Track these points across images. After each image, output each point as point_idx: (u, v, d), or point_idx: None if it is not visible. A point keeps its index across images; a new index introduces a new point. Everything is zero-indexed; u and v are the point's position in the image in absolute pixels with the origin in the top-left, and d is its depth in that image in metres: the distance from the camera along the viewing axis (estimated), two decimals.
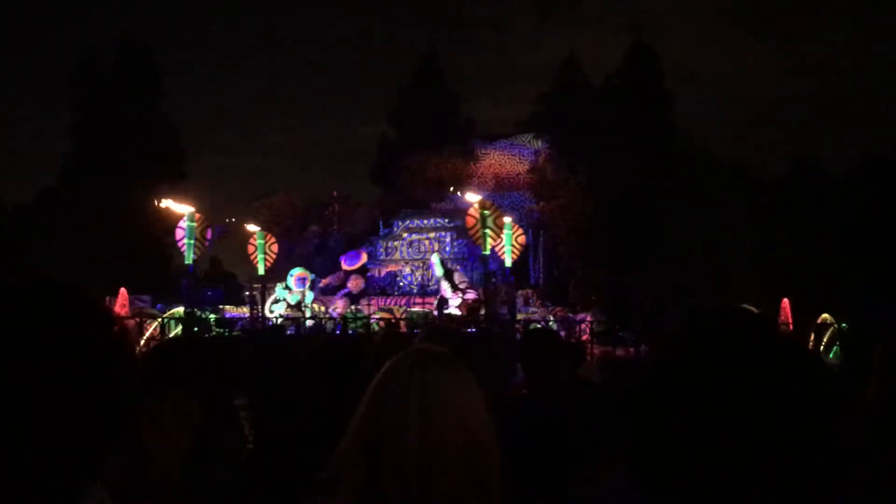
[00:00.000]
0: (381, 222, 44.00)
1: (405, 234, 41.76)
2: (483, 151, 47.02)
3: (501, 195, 45.17)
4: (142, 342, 12.23)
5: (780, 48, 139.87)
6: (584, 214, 38.84)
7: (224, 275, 50.04)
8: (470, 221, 25.23)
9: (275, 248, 31.30)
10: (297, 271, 36.10)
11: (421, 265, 40.77)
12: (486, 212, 24.47)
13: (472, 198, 26.16)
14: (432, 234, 41.25)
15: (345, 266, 38.39)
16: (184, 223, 23.21)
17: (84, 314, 1.11)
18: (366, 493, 1.44)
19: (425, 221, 42.17)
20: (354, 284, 38.29)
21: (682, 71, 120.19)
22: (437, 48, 54.57)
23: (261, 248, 30.59)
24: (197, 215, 23.25)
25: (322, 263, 46.01)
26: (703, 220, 33.99)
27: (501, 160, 46.15)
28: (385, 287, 40.67)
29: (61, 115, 49.31)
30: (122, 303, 27.50)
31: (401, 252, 41.64)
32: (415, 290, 39.30)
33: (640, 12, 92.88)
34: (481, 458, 1.50)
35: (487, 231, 24.14)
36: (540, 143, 44.41)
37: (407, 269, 41.11)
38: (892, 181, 34.73)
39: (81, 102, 45.41)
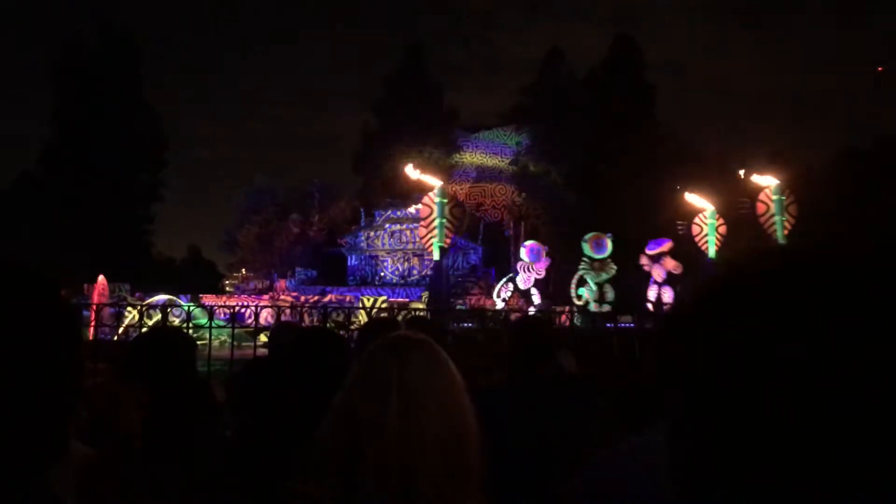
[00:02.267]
0: (362, 212, 43.89)
1: (387, 225, 41.69)
2: (465, 142, 47.02)
3: (484, 187, 45.30)
4: (119, 330, 12.17)
5: (766, 43, 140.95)
6: (565, 206, 38.99)
7: (203, 263, 49.84)
8: (761, 208, 22.76)
9: (723, 229, 26.06)
10: (591, 235, 28.61)
11: (402, 255, 40.77)
12: (782, 197, 22.01)
13: (768, 180, 23.06)
14: (413, 225, 41.21)
15: (648, 251, 36.61)
16: (435, 197, 19.99)
17: (22, 282, 1.10)
18: (347, 478, 1.45)
19: (407, 212, 42.11)
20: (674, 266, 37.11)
21: (669, 63, 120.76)
22: (422, 39, 54.57)
23: (712, 228, 25.67)
24: (449, 190, 20.01)
25: (302, 253, 45.87)
26: (684, 211, 34.22)
27: (484, 151, 46.18)
28: (365, 276, 40.66)
29: (42, 101, 48.74)
30: (100, 290, 27.14)
31: (382, 242, 41.57)
32: (396, 281, 39.33)
33: (628, 5, 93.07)
34: (461, 444, 1.51)
35: (784, 218, 21.74)
36: (522, 134, 44.49)
37: (389, 260, 41.08)
38: (867, 171, 35.29)
39: (62, 89, 44.94)
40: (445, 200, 19.78)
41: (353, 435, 1.49)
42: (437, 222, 19.65)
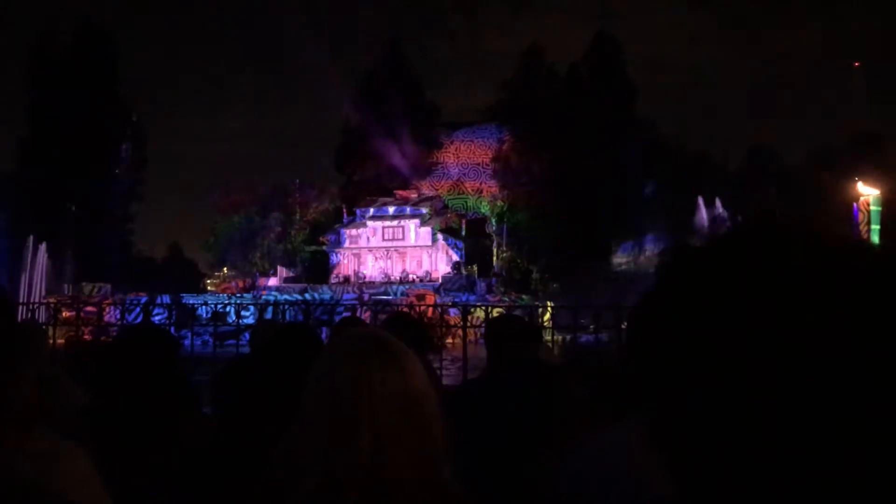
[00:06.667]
0: (344, 210, 43.79)
1: (369, 222, 41.63)
2: (447, 139, 47.00)
3: (465, 183, 45.36)
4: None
5: (747, 39, 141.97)
6: (547, 201, 39.10)
7: (184, 262, 49.51)
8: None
9: None
10: None
11: (385, 253, 40.74)
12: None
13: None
14: (396, 222, 41.21)
15: None
16: (871, 206, 18.09)
17: None
18: (325, 495, 1.43)
19: (389, 209, 42.09)
20: None
21: (651, 60, 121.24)
22: (401, 35, 54.32)
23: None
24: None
25: (284, 251, 45.71)
26: (665, 206, 34.51)
27: (465, 148, 46.20)
28: (347, 274, 40.57)
29: (18, 97, 48.05)
30: None
31: (366, 240, 41.52)
32: (379, 278, 39.26)
33: (613, 0, 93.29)
34: (431, 446, 1.49)
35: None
36: (503, 131, 44.51)
37: (371, 257, 41.05)
38: (841, 167, 35.88)
39: (38, 86, 44.41)
40: (880, 209, 18.27)
41: (326, 453, 1.47)
42: (872, 229, 18.44)
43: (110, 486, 1.90)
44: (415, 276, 38.79)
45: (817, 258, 0.61)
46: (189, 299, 29.12)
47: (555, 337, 8.20)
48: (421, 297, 30.32)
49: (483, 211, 44.66)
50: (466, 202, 45.18)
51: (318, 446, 1.50)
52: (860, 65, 57.94)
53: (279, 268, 42.33)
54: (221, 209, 46.63)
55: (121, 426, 2.60)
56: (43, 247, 34.22)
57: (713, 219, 35.33)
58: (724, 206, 35.74)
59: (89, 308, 14.12)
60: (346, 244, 42.00)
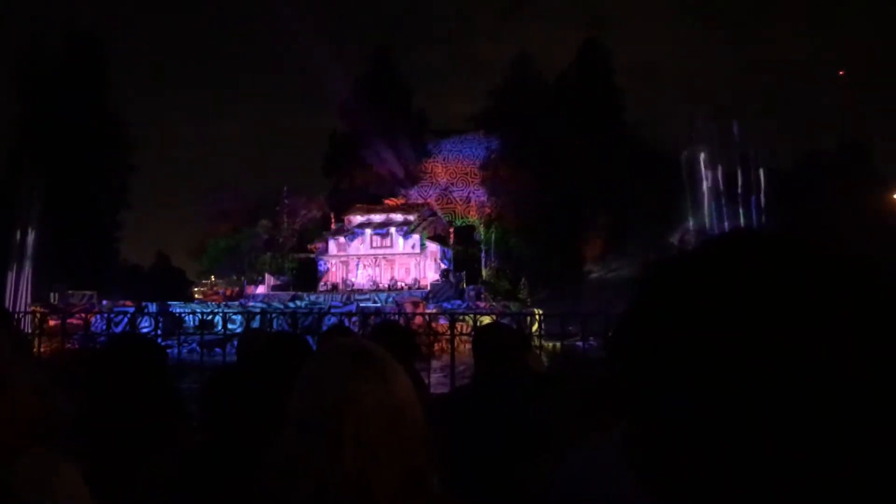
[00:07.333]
0: (332, 218, 43.73)
1: (357, 230, 41.59)
2: (435, 147, 47.06)
3: (454, 191, 45.42)
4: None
5: (736, 45, 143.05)
6: (534, 209, 39.20)
7: (171, 270, 49.27)
8: None
9: None
10: None
11: (373, 260, 40.71)
12: None
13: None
14: (384, 230, 41.18)
15: None
16: None
17: None
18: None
19: (377, 217, 42.08)
20: None
21: (642, 66, 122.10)
22: (393, 42, 54.42)
23: None
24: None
25: (273, 257, 45.60)
26: (653, 212, 34.68)
27: (453, 157, 46.26)
28: (336, 282, 40.49)
29: (6, 105, 47.69)
30: None
31: (354, 247, 41.47)
32: (366, 286, 39.21)
33: (603, 7, 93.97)
34: (417, 456, 1.50)
35: None
36: (492, 139, 44.62)
37: (360, 264, 40.99)
38: (830, 173, 36.18)
39: (26, 93, 44.16)
40: None
41: (311, 468, 1.47)
42: None
43: (104, 496, 1.90)
44: (403, 284, 38.73)
45: (802, 265, 0.61)
46: (176, 308, 28.97)
47: (543, 344, 8.21)
48: (415, 305, 30.21)
49: (471, 220, 44.72)
50: (454, 211, 45.21)
51: (305, 457, 1.51)
52: (845, 73, 58.44)
53: (267, 276, 42.17)
54: (210, 217, 46.47)
55: (111, 435, 2.60)
56: (29, 254, 33.98)
57: (700, 226, 35.52)
58: (712, 212, 35.97)
59: (72, 320, 14.01)
60: (335, 252, 41.93)
